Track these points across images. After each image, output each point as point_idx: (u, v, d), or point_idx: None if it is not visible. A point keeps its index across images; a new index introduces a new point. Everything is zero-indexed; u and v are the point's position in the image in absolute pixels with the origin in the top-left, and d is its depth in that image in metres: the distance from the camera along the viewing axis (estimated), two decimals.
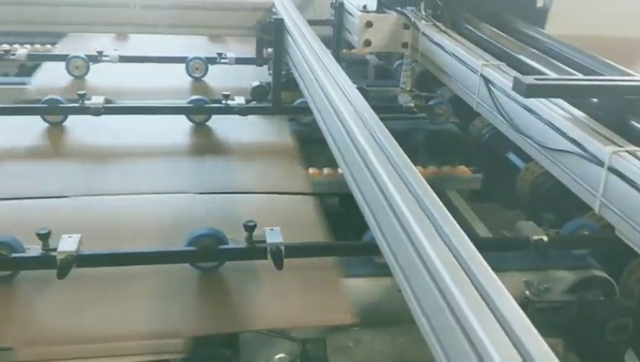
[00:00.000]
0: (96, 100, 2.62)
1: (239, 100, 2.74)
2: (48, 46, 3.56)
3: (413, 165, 1.40)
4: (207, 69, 3.29)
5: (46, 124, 2.64)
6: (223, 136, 2.70)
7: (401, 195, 1.25)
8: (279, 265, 1.70)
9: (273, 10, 3.30)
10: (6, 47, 3.38)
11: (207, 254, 1.75)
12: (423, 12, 2.77)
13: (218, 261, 1.77)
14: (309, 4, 4.22)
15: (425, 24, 2.67)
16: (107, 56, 3.25)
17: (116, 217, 2.04)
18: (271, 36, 2.83)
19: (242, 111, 2.71)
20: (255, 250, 1.73)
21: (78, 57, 3.17)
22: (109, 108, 2.64)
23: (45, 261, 1.63)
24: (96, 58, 3.25)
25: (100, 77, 3.18)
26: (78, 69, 3.17)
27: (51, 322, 1.61)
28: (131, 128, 2.69)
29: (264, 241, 1.73)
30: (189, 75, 3.27)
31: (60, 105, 2.63)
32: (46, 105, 2.62)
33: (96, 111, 2.60)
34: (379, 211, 1.36)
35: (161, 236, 1.92)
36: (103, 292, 1.69)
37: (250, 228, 1.73)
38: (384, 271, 1.73)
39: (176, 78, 3.25)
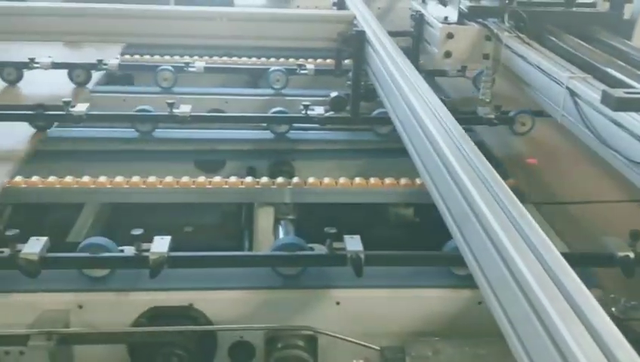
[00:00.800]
0: (184, 109, 2.74)
1: (319, 110, 2.79)
2: (137, 56, 3.73)
3: (499, 176, 1.40)
4: (287, 80, 3.38)
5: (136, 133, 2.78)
6: None
7: (488, 206, 1.25)
8: (359, 272, 1.73)
9: (354, 22, 3.34)
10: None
11: (290, 260, 1.80)
12: (506, 24, 2.75)
13: (300, 266, 1.82)
14: (385, 16, 4.25)
15: (507, 36, 2.65)
16: (193, 67, 3.39)
17: None
18: (351, 48, 2.88)
19: (321, 121, 2.77)
20: (336, 257, 1.77)
21: (166, 69, 3.32)
22: (196, 117, 2.74)
23: (138, 261, 1.73)
24: (183, 69, 3.39)
25: (185, 87, 3.33)
26: (166, 80, 3.32)
27: None
28: None
29: (344, 249, 1.77)
30: (270, 86, 3.37)
31: (150, 113, 2.76)
32: (138, 114, 2.75)
33: (184, 120, 2.71)
34: (464, 222, 1.36)
35: None
36: None
37: (330, 235, 1.78)
38: (463, 282, 1.75)
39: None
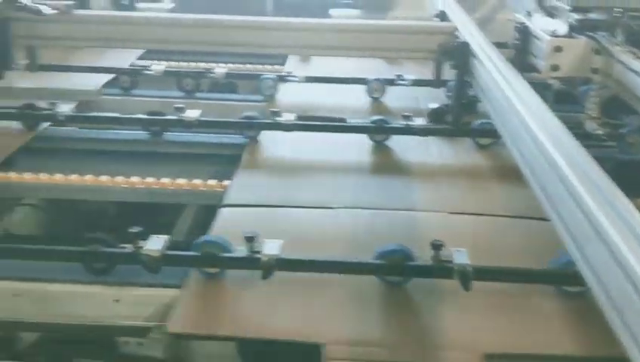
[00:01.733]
0: (288, 117, 2.82)
1: (419, 121, 2.80)
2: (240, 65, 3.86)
3: (621, 192, 1.37)
4: (385, 90, 3.41)
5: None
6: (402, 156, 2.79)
7: (612, 225, 1.23)
8: (467, 286, 1.73)
9: (455, 33, 3.33)
10: (205, 65, 3.72)
11: (395, 268, 1.82)
12: (618, 38, 2.67)
13: (405, 276, 1.84)
14: (483, 28, 4.20)
15: (619, 50, 2.58)
16: (295, 76, 3.48)
17: (308, 228, 2.18)
18: (452, 59, 2.88)
19: (423, 132, 2.78)
20: (442, 268, 1.78)
21: (268, 78, 3.42)
22: (300, 125, 2.82)
23: (251, 262, 1.80)
24: (285, 78, 3.48)
25: (288, 96, 3.42)
26: (269, 88, 3.42)
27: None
28: (315, 144, 2.85)
29: (451, 261, 1.77)
30: (369, 95, 3.41)
31: (256, 120, 2.85)
32: (245, 121, 2.85)
33: (288, 127, 2.79)
34: (584, 240, 1.34)
35: (348, 248, 2.02)
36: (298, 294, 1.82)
37: (437, 246, 1.79)
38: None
39: (357, 98, 3.41)
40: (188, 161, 2.74)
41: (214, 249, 1.83)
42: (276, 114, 2.83)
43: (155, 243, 1.81)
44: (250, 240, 1.81)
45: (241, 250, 1.83)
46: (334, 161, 2.75)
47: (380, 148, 2.84)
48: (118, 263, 1.85)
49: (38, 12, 2.91)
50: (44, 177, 2.51)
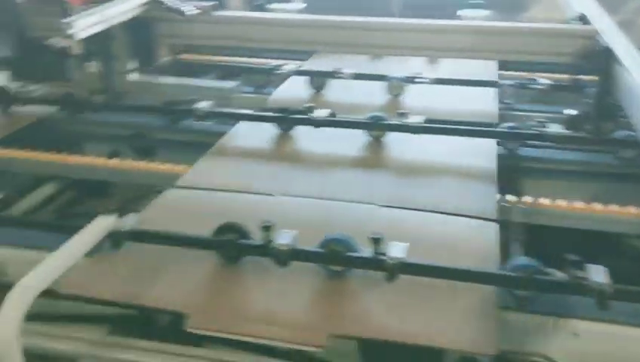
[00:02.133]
0: (416, 119, 2.79)
1: (555, 128, 2.69)
2: None
3: None
4: (517, 94, 3.30)
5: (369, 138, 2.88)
6: None
7: None
8: (604, 305, 1.64)
9: (596, 37, 3.16)
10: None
11: (527, 282, 1.76)
12: None
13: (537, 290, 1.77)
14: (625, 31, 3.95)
15: None
16: (423, 78, 3.44)
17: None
18: (592, 65, 2.75)
19: (559, 140, 2.66)
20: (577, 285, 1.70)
21: (395, 78, 3.40)
22: (426, 128, 2.78)
23: (377, 263, 1.80)
24: (412, 80, 3.45)
25: (412, 97, 3.39)
26: (395, 88, 3.41)
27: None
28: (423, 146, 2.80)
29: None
30: (500, 100, 3.31)
31: (383, 121, 2.85)
32: (370, 121, 2.86)
33: (416, 130, 2.77)
34: None
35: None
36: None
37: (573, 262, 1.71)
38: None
39: (486, 102, 3.32)
40: None
41: (339, 247, 1.86)
42: (403, 115, 2.82)
43: (285, 238, 1.86)
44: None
45: (366, 251, 1.84)
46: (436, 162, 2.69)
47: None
48: (248, 254, 1.91)
49: (181, 12, 3.07)
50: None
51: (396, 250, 1.80)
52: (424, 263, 1.80)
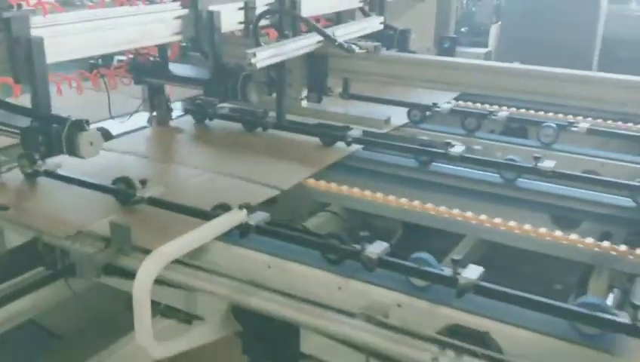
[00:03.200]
0: (548, 164, 2.89)
1: None
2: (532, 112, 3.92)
3: None
4: None
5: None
6: None
7: None
8: None
9: None
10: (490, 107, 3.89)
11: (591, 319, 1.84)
12: None
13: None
14: None
15: None
16: (577, 126, 3.47)
17: None
18: None
19: None
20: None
21: (549, 126, 3.46)
22: (557, 173, 2.86)
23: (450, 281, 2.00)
24: (565, 128, 3.50)
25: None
26: (548, 136, 3.46)
27: None
28: None
29: None
30: None
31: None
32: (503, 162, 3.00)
33: (546, 174, 2.88)
34: None
35: None
36: None
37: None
38: None
39: None
40: None
41: (423, 264, 2.08)
42: (538, 159, 2.92)
43: (377, 248, 2.14)
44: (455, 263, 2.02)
45: (447, 271, 2.04)
46: None
47: None
48: (346, 258, 2.21)
49: (351, 50, 3.49)
50: (344, 189, 3.00)
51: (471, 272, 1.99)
52: (492, 287, 1.96)
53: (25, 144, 2.61)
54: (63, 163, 2.83)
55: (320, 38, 3.49)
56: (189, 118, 3.85)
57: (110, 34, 2.89)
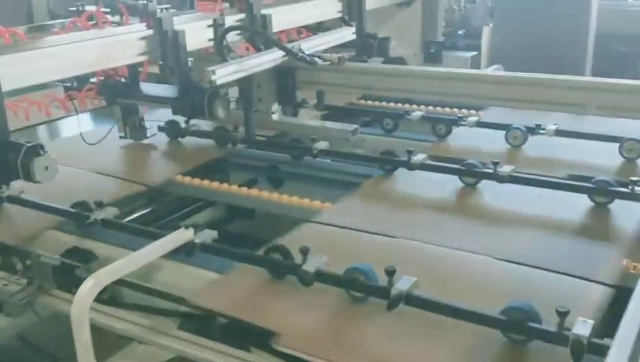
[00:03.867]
0: (506, 169, 2.87)
1: None
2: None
3: None
4: None
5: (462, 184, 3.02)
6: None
7: None
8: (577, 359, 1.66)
9: None
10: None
11: (517, 327, 1.83)
12: None
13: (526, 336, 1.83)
14: None
15: None
16: (543, 129, 3.46)
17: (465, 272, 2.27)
18: None
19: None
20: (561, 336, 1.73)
21: (517, 128, 3.46)
22: (515, 178, 2.85)
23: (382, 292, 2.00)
24: (535, 131, 3.49)
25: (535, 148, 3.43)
26: (515, 138, 3.47)
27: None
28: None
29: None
30: (622, 155, 3.20)
31: (475, 169, 2.97)
32: (464, 168, 2.99)
33: (503, 179, 2.85)
34: None
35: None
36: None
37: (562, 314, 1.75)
38: None
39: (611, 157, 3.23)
40: None
41: (360, 275, 2.09)
42: (497, 164, 2.91)
43: (312, 264, 2.15)
44: (390, 274, 2.02)
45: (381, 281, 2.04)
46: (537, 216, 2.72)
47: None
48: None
49: (313, 63, 3.50)
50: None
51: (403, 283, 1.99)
52: (427, 298, 1.96)
53: None
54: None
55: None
56: (163, 136, 3.90)
57: (73, 57, 2.94)
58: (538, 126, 3.50)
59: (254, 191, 3.20)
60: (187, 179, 3.37)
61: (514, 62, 4.28)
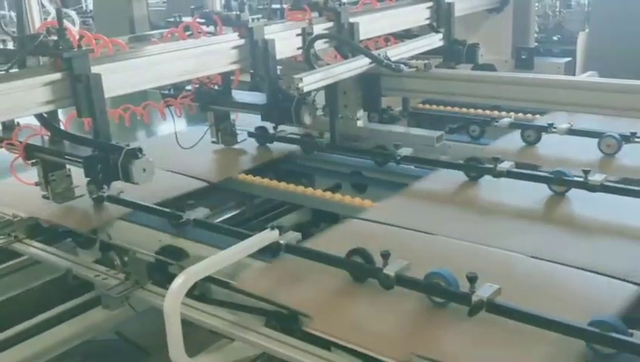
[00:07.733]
0: (597, 178, 2.78)
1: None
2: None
3: None
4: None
5: (550, 192, 2.95)
6: None
7: None
8: None
9: None
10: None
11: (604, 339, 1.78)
12: None
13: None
14: None
15: None
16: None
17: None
18: None
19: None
20: None
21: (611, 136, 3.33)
22: (607, 187, 2.76)
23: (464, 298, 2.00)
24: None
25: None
26: (609, 147, 3.34)
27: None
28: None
29: None
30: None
31: (565, 177, 2.89)
32: (552, 176, 2.93)
33: (595, 188, 2.77)
34: None
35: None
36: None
37: None
38: None
39: None
40: None
41: (441, 280, 2.09)
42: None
43: (394, 267, 2.17)
44: (472, 280, 2.01)
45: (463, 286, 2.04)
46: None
47: None
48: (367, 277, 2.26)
49: (398, 70, 3.53)
50: None
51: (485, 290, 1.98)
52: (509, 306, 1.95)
53: (86, 172, 2.85)
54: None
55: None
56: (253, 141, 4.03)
57: (170, 66, 3.11)
58: (633, 134, 3.35)
59: (338, 196, 3.24)
60: (274, 182, 3.47)
61: (610, 69, 4.14)
